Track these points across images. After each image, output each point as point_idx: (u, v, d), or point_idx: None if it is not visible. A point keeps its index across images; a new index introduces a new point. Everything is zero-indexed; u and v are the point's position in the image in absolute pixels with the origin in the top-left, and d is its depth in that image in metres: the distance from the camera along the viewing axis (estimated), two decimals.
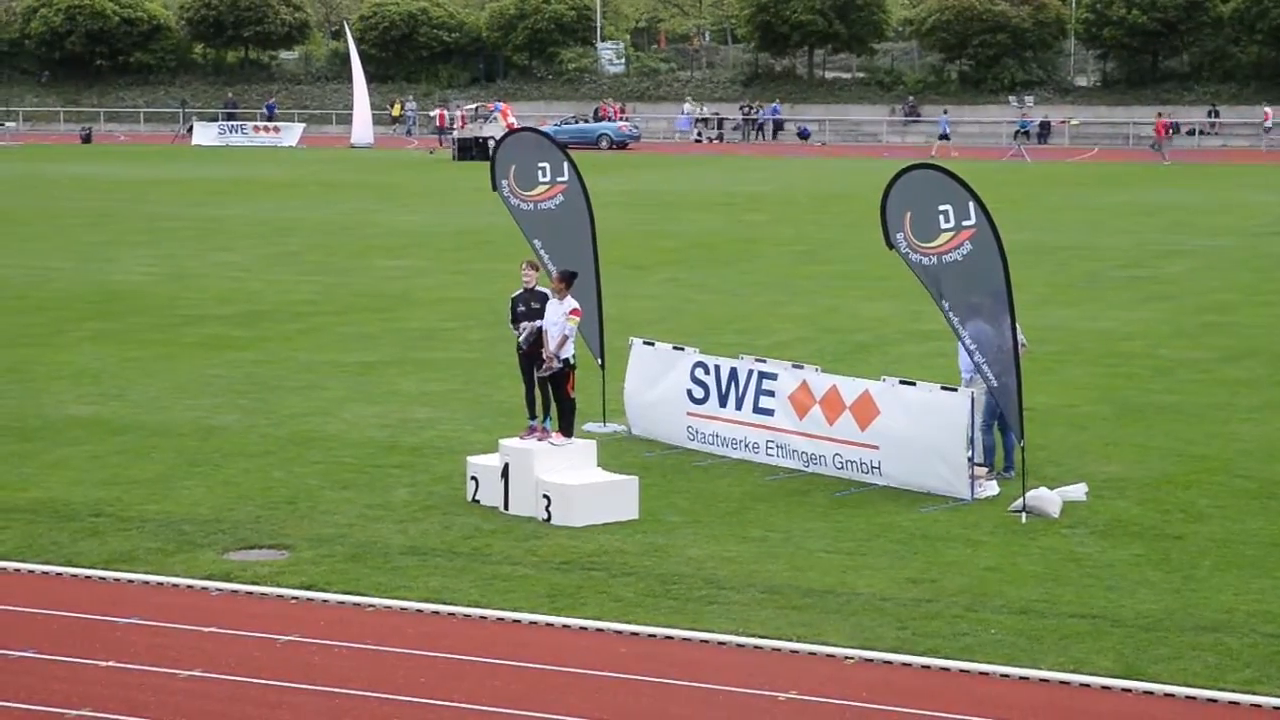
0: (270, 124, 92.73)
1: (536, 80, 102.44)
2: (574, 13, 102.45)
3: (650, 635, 13.35)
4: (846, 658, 12.82)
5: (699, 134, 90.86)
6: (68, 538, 15.87)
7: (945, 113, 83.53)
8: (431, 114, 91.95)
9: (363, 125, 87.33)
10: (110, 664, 12.61)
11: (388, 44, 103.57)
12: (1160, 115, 77.43)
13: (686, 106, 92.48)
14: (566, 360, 17.60)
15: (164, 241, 41.44)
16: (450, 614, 13.83)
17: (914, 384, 18.01)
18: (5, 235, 42.59)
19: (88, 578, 14.80)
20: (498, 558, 15.33)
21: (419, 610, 13.92)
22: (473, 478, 17.28)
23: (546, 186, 20.70)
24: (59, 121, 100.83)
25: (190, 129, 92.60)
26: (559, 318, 17.49)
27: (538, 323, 17.68)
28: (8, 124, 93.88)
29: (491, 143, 76.09)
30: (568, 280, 17.92)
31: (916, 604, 13.96)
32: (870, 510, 16.90)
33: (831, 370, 19.37)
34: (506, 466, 16.89)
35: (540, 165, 20.74)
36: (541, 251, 20.70)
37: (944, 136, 78.59)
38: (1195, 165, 69.41)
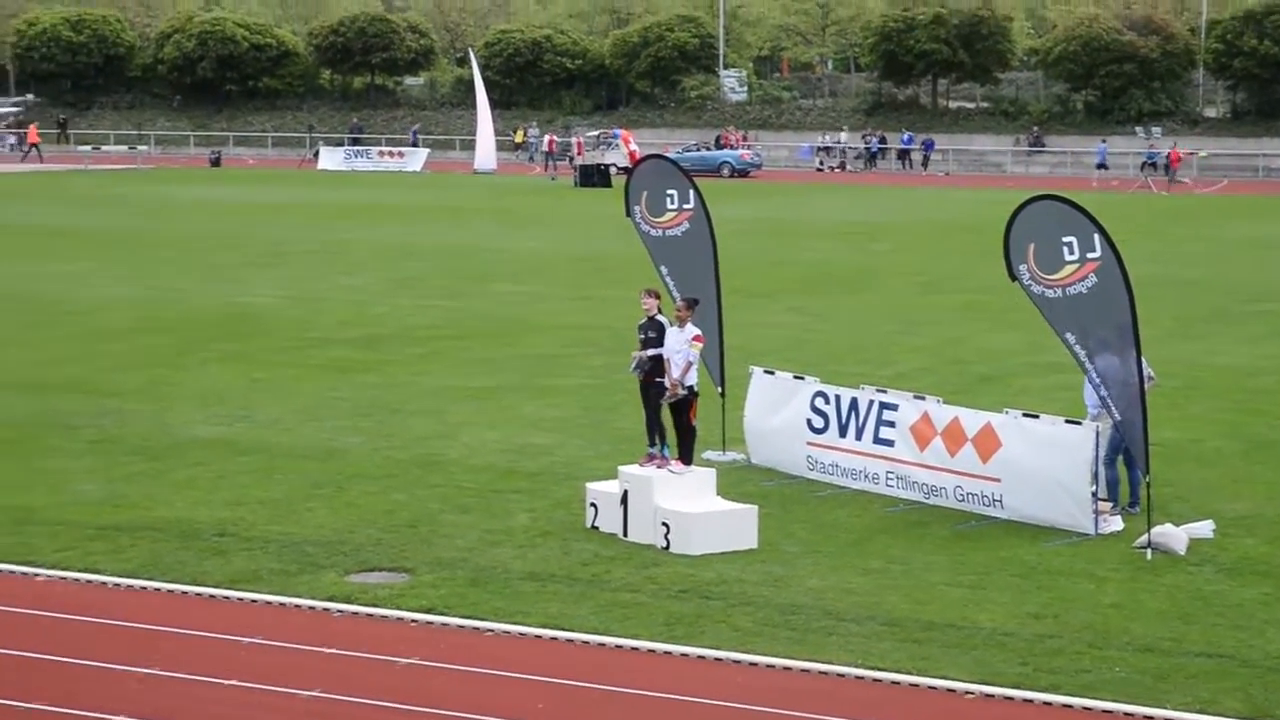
0: (397, 149, 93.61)
1: (659, 107, 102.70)
2: (697, 40, 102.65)
3: (769, 666, 13.30)
4: (967, 693, 12.70)
5: (821, 163, 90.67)
6: (194, 557, 16.07)
7: (1104, 142, 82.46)
8: (540, 138, 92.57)
9: (486, 151, 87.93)
10: (233, 683, 12.74)
11: (511, 70, 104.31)
12: None
13: (843, 135, 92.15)
14: (690, 387, 17.59)
15: (290, 265, 41.94)
16: (569, 640, 13.86)
17: (1037, 416, 17.83)
18: (136, 257, 43.28)
19: (212, 597, 14.98)
20: (616, 584, 15.34)
21: (537, 636, 13.96)
22: (592, 504, 17.31)
23: (674, 213, 20.78)
24: (189, 145, 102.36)
25: (317, 153, 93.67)
26: (682, 344, 17.49)
27: (648, 352, 17.67)
28: (140, 147, 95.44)
29: (614, 169, 77.07)
30: (690, 307, 17.93)
31: (1039, 639, 13.80)
32: (992, 543, 16.74)
33: (953, 402, 19.22)
34: (626, 493, 16.91)
35: (669, 192, 20.84)
36: (667, 278, 20.76)
37: (1101, 165, 78.44)
38: None
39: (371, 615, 14.46)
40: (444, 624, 14.26)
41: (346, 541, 16.61)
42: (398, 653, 13.44)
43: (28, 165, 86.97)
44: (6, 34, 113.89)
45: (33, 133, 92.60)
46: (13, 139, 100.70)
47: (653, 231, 21.04)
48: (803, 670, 13.17)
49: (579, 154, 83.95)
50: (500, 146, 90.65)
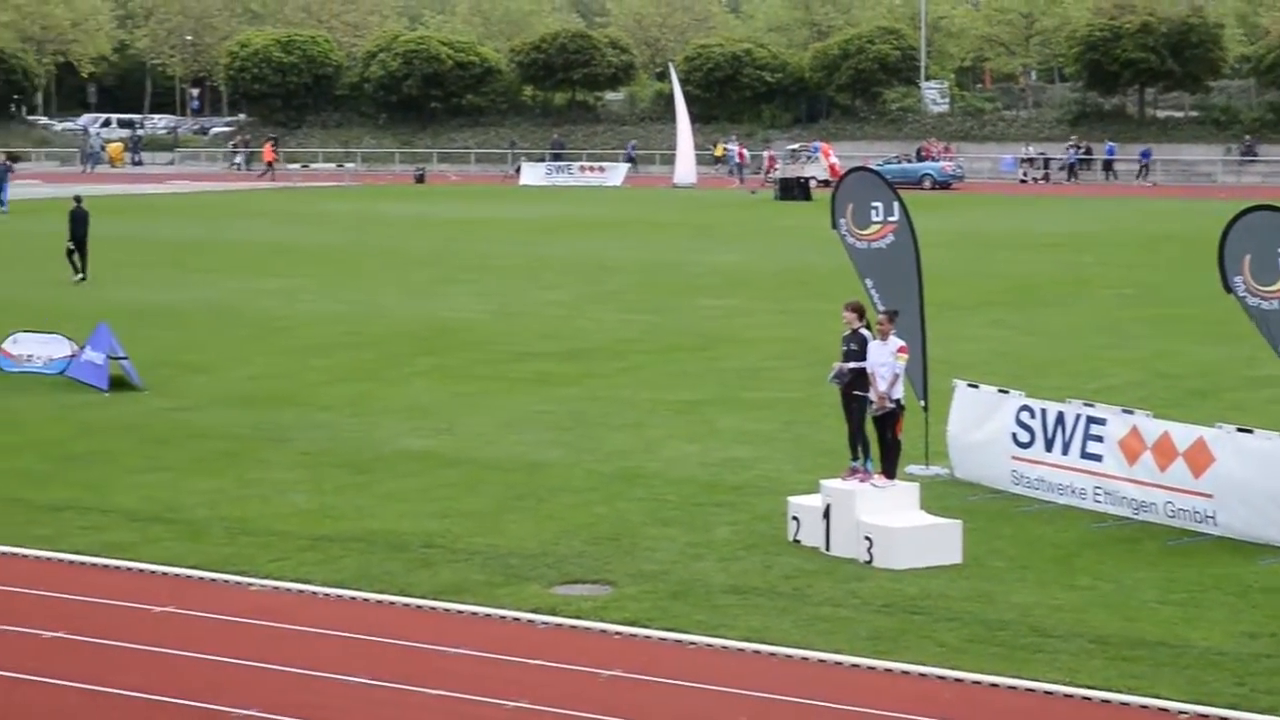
0: (597, 164, 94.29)
1: (859, 120, 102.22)
2: (898, 52, 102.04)
3: (975, 682, 13.13)
4: (1180, 712, 12.42)
5: (1024, 174, 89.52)
6: (401, 568, 16.30)
7: None
8: (732, 149, 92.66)
9: (686, 165, 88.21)
10: (439, 693, 12.89)
11: (711, 85, 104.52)
12: None
13: (1030, 148, 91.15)
14: (897, 401, 17.46)
15: (492, 279, 42.42)
16: (771, 654, 13.81)
17: (1252, 431, 17.40)
18: (343, 272, 44.09)
19: (419, 608, 15.18)
20: (819, 598, 15.27)
21: (740, 649, 13.94)
22: (794, 518, 17.25)
23: (879, 226, 20.68)
24: (394, 162, 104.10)
25: (519, 169, 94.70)
26: (887, 357, 17.36)
27: (848, 364, 17.57)
28: (347, 165, 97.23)
29: (814, 183, 76.84)
30: (891, 318, 17.81)
31: (1256, 659, 13.46)
32: (1204, 560, 16.37)
33: (1163, 416, 18.83)
34: (828, 507, 16.83)
35: (874, 204, 20.76)
36: (872, 290, 20.67)
37: None
38: None
39: (575, 627, 14.55)
40: (646, 636, 14.30)
41: (550, 554, 16.73)
42: (600, 664, 13.50)
43: (262, 183, 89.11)
44: (220, 56, 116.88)
45: (268, 151, 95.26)
46: (241, 157, 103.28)
47: (858, 244, 20.97)
48: (1009, 687, 12.99)
49: (770, 167, 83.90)
50: (700, 160, 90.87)
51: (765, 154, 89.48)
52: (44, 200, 69.63)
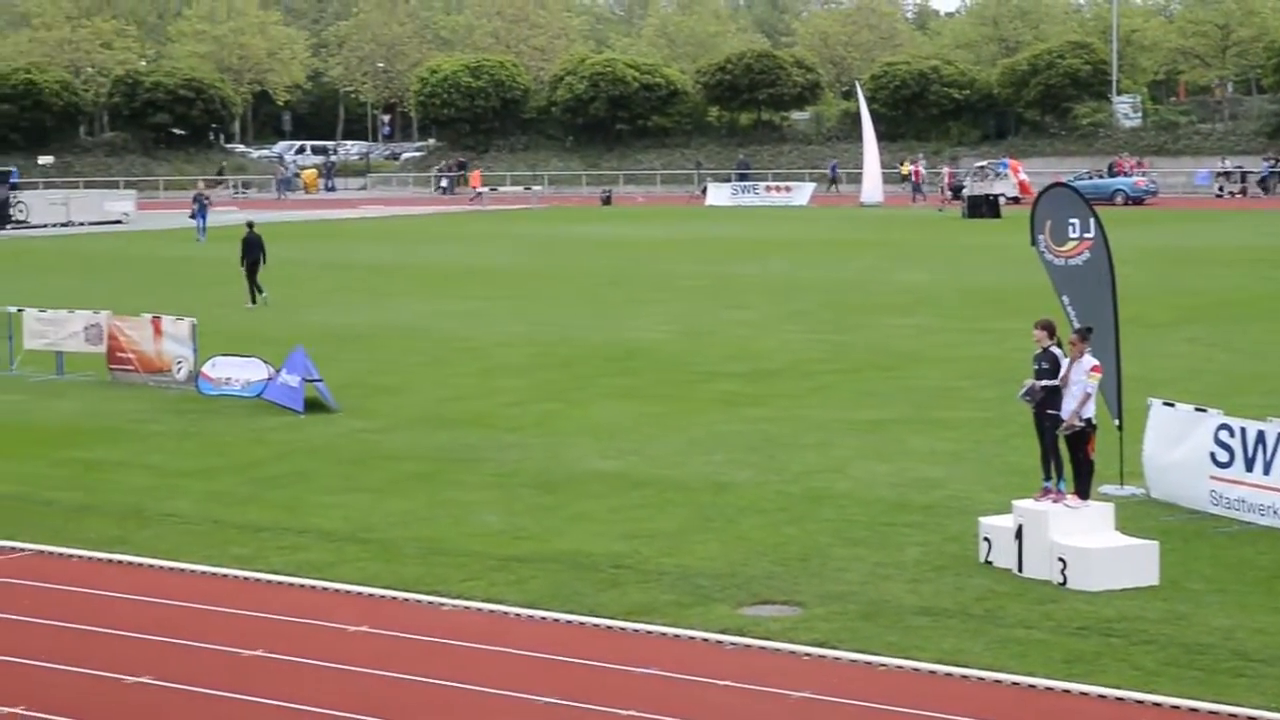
0: (783, 184, 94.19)
1: (1048, 136, 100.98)
2: (1089, 67, 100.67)
3: (1174, 706, 12.85)
4: None
5: (1220, 188, 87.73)
6: (590, 588, 16.37)
7: None
8: (907, 169, 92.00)
9: (873, 184, 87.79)
10: (630, 713, 12.90)
11: (898, 103, 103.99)
12: None
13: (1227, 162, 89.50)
14: (1088, 420, 17.18)
15: (678, 300, 42.51)
16: (964, 676, 13.64)
17: None
18: (531, 294, 44.47)
19: (608, 628, 15.22)
20: (1011, 620, 15.05)
21: (931, 671, 13.78)
22: (985, 538, 17.03)
23: (1075, 242, 20.43)
24: (581, 184, 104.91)
25: (704, 189, 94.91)
26: (1080, 376, 17.10)
27: (1040, 382, 17.32)
28: (534, 187, 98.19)
29: (1003, 199, 76.01)
30: (1084, 337, 17.54)
31: None
32: None
33: None
34: (1020, 528, 16.59)
35: (1070, 221, 20.52)
36: (1069, 307, 20.40)
37: None
38: None
39: (764, 648, 14.49)
40: (836, 658, 14.19)
41: (738, 574, 16.69)
42: (790, 686, 13.43)
43: (470, 207, 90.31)
44: (410, 82, 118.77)
45: (476, 178, 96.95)
46: (446, 181, 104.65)
47: (1055, 260, 20.73)
48: (1210, 712, 12.69)
49: (948, 184, 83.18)
50: (887, 179, 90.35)
51: (944, 170, 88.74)
52: (239, 227, 71.12)
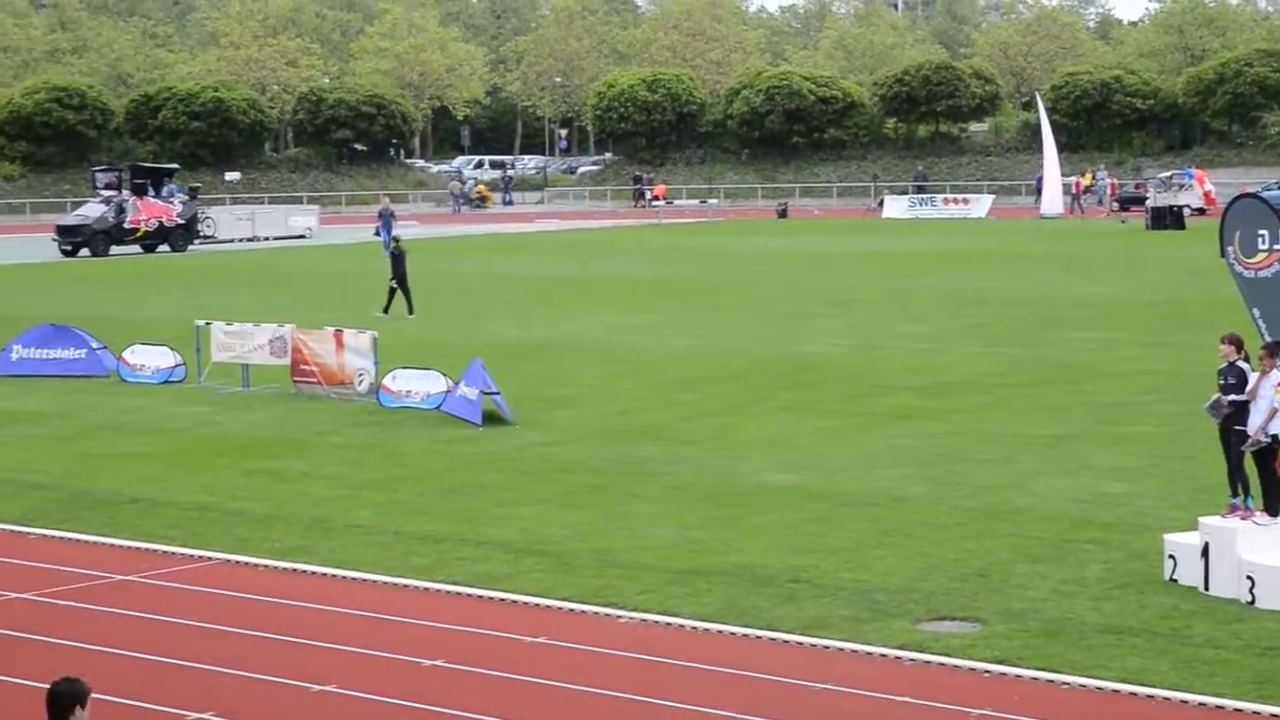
0: (961, 196, 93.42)
1: (1235, 146, 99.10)
2: (1278, 75, 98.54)
3: None
4: None
5: None
6: (767, 602, 16.32)
7: None
8: (1101, 177, 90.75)
9: (1053, 195, 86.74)
10: None
11: (1079, 113, 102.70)
12: None
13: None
14: (1275, 436, 16.80)
15: (853, 313, 42.29)
16: (1148, 696, 13.39)
17: None
18: (707, 307, 44.52)
19: (785, 642, 15.17)
20: (1198, 640, 14.75)
21: (1115, 690, 13.55)
22: (1170, 556, 16.72)
23: (1265, 254, 20.04)
24: (757, 197, 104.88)
25: (881, 202, 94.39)
26: (1268, 391, 16.72)
27: (1226, 397, 16.97)
28: (710, 201, 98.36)
29: (1188, 211, 74.68)
30: (1272, 352, 17.14)
31: None
32: None
33: None
34: (1206, 545, 16.27)
35: (1260, 233, 20.14)
36: (1259, 320, 20.01)
37: None
38: None
39: (943, 664, 14.35)
40: (1017, 675, 14.01)
41: (916, 590, 16.55)
42: (970, 703, 13.28)
43: (647, 219, 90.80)
44: (588, 96, 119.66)
45: (660, 190, 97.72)
46: (647, 193, 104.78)
47: (1245, 272, 20.34)
48: None
49: (1112, 195, 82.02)
50: (1067, 190, 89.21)
51: (1107, 180, 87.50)
52: (421, 241, 72.12)
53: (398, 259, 42.94)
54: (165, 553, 18.93)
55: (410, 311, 42.21)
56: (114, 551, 19.09)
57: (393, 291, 42.59)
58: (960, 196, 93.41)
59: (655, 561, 17.92)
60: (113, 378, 32.32)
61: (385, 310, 42.09)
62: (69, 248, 69.72)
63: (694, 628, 15.64)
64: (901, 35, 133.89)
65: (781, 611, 15.99)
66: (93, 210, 72.43)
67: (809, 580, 17.02)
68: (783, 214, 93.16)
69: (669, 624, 15.77)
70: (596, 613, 16.21)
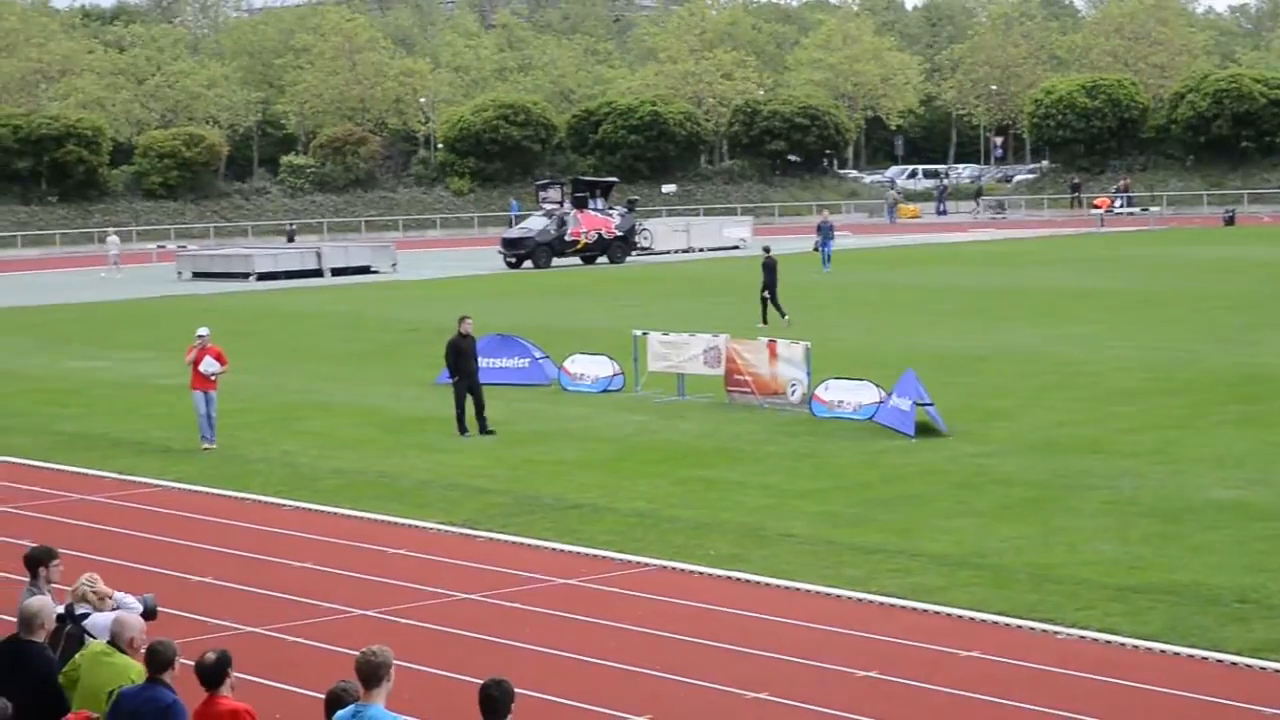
0: None
1: None
2: None
3: None
4: None
5: None
6: (1213, 622, 15.75)
7: None
8: None
9: None
10: None
11: None
12: None
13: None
14: None
15: None
16: None
17: None
18: (1146, 318, 43.25)
19: (1232, 664, 14.61)
20: None
21: None
22: None
23: None
24: (1201, 204, 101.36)
25: None
26: None
27: None
28: (1152, 208, 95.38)
29: None
30: None
31: None
32: None
33: None
34: None
35: None
36: None
37: None
38: None
39: None
40: None
41: None
42: None
43: (1102, 229, 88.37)
44: (1024, 103, 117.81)
45: (1104, 202, 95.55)
46: (1120, 200, 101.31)
47: None
48: None
49: None
50: None
51: None
52: (852, 251, 72.14)
53: (769, 269, 43.56)
54: (604, 558, 19.39)
55: (764, 321, 42.57)
56: (557, 556, 19.64)
57: (764, 302, 43.26)
58: None
59: (1095, 577, 17.49)
60: (554, 386, 33.26)
61: (765, 318, 42.72)
62: (513, 259, 72.12)
63: (1134, 646, 15.21)
64: None
65: (1229, 632, 15.41)
66: (536, 223, 74.74)
67: (1258, 600, 16.36)
68: (1230, 221, 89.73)
69: (1108, 642, 15.36)
70: (1033, 628, 15.91)
